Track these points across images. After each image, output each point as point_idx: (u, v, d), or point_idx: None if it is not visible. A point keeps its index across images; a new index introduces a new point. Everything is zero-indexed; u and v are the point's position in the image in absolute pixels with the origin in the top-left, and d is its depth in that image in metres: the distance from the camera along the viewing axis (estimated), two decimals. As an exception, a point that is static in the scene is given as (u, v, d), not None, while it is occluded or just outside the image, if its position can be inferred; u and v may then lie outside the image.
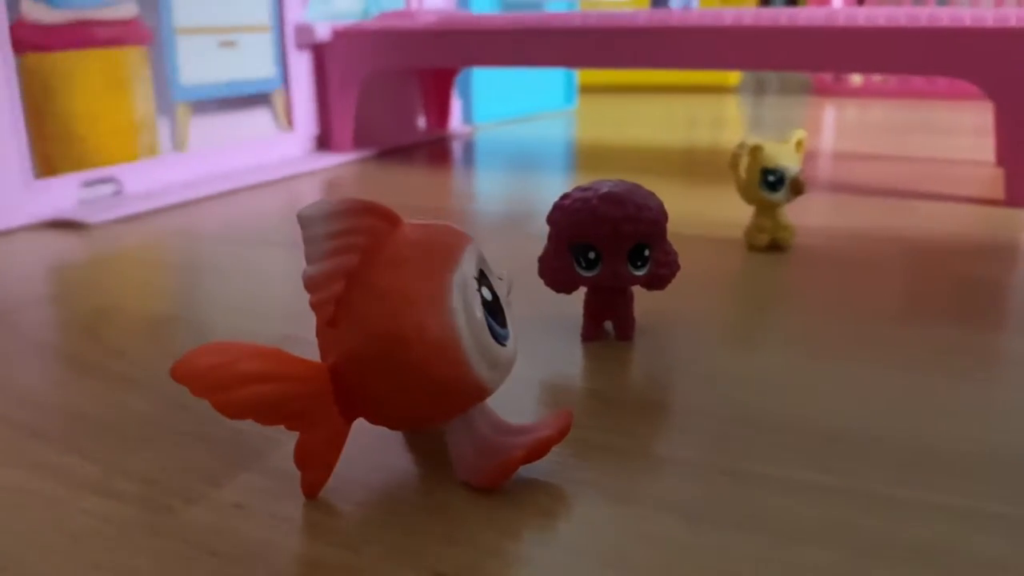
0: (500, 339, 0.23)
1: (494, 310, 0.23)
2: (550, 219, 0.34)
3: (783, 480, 0.25)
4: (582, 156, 0.91)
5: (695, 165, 0.81)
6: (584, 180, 0.74)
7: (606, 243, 0.33)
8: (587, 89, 1.53)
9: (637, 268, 0.33)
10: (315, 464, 0.24)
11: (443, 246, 0.23)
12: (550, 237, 0.34)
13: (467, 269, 0.23)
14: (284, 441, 0.27)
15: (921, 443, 0.27)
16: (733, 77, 1.73)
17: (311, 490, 0.24)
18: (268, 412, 0.22)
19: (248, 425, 0.28)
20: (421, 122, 0.99)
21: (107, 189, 0.63)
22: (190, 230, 0.57)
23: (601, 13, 0.73)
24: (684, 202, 0.62)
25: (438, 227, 0.23)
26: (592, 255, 0.33)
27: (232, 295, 0.43)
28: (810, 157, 0.81)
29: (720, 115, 1.25)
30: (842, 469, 0.25)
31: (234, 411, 0.21)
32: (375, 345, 0.22)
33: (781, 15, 0.64)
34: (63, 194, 0.59)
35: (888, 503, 0.23)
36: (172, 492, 0.25)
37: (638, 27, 0.68)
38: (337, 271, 0.22)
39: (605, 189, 0.33)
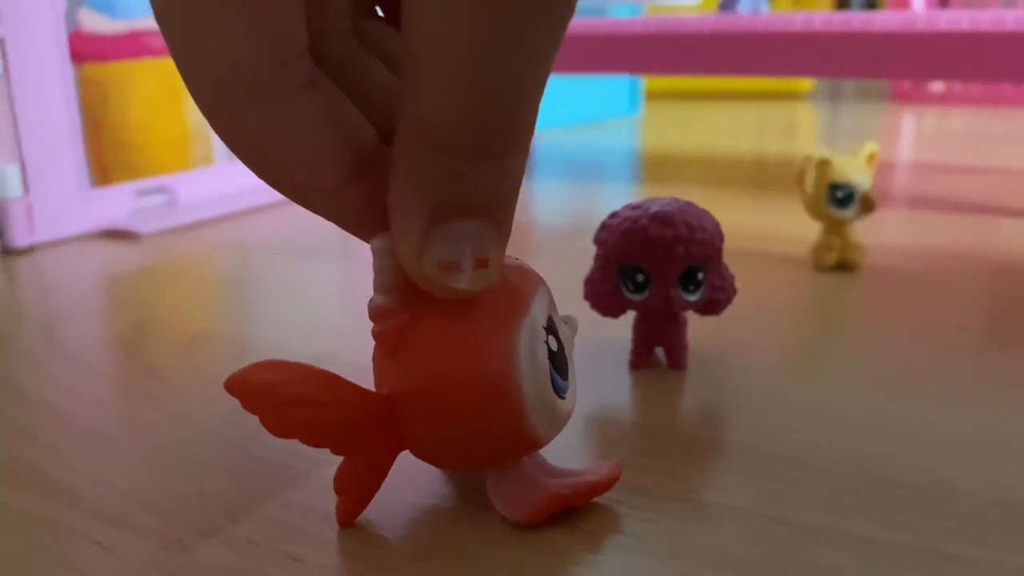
0: (560, 391, 0.22)
1: (557, 360, 0.22)
2: (597, 239, 0.32)
3: (841, 533, 0.22)
4: (646, 165, 0.89)
5: (764, 176, 0.78)
6: (648, 191, 0.72)
7: (656, 266, 0.31)
8: (653, 95, 1.51)
9: (690, 292, 0.31)
10: (355, 491, 0.23)
11: (514, 291, 0.21)
12: (597, 258, 0.32)
13: (537, 317, 0.21)
14: (310, 472, 0.26)
15: (999, 495, 0.24)
16: (806, 82, 1.68)
17: (347, 517, 0.23)
18: (317, 436, 0.21)
19: (274, 456, 0.27)
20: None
21: (161, 199, 0.63)
22: (241, 241, 0.56)
23: (665, 19, 0.71)
24: (749, 216, 0.59)
25: (511, 268, 0.22)
26: (641, 278, 0.31)
27: (275, 310, 0.42)
28: (885, 169, 0.78)
29: (792, 122, 1.21)
30: (906, 522, 0.23)
31: (283, 431, 0.21)
32: (433, 386, 0.21)
33: (855, 19, 0.61)
34: (118, 203, 0.59)
35: (956, 563, 0.21)
36: (188, 525, 0.23)
37: (704, 33, 0.66)
38: (404, 304, 0.21)
39: (656, 208, 0.31)
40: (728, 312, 0.34)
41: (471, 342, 0.21)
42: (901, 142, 0.98)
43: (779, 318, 0.39)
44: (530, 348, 0.21)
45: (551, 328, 0.22)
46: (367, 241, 0.21)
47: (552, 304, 0.23)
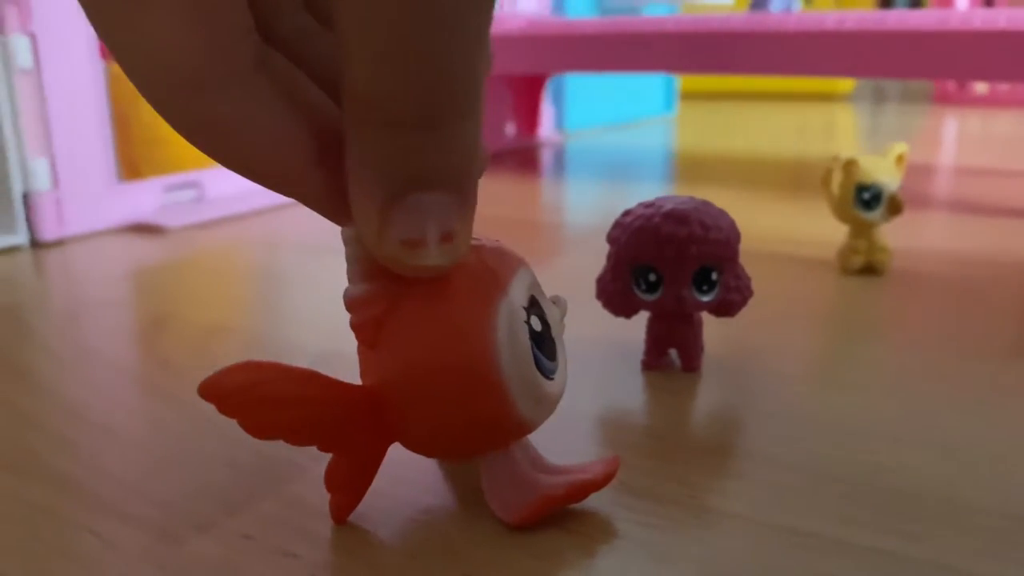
0: (547, 373, 0.22)
1: (543, 341, 0.22)
2: (609, 237, 0.32)
3: (846, 544, 0.21)
4: (679, 166, 0.88)
5: (799, 178, 0.77)
6: (682, 191, 0.70)
7: (668, 265, 0.30)
8: (688, 95, 1.49)
9: (703, 293, 0.31)
10: (346, 487, 0.23)
11: (490, 272, 0.21)
12: (609, 256, 0.32)
13: (515, 298, 0.21)
14: (309, 467, 0.26)
15: (1016, 509, 0.23)
16: (846, 84, 1.65)
17: (340, 514, 0.23)
18: (299, 435, 0.21)
19: (276, 451, 0.27)
20: (509, 128, 0.97)
21: (189, 194, 0.63)
22: (267, 237, 0.57)
23: (697, 17, 0.70)
24: (781, 218, 0.58)
25: (487, 250, 0.22)
26: (653, 277, 0.31)
27: (294, 306, 0.42)
28: (924, 171, 0.76)
29: (831, 124, 1.19)
30: (917, 534, 0.22)
31: (263, 433, 0.20)
32: (413, 374, 0.21)
33: (889, 17, 0.60)
34: (146, 198, 0.60)
35: (970, 581, 0.20)
36: (185, 519, 0.23)
37: (734, 31, 0.65)
38: (379, 293, 0.21)
39: (670, 206, 0.30)
40: (747, 315, 0.33)
41: (448, 326, 0.20)
42: (943, 145, 0.96)
43: (799, 322, 0.38)
44: (509, 330, 0.20)
45: (534, 309, 0.22)
46: (342, 225, 0.20)
47: (535, 284, 0.22)
